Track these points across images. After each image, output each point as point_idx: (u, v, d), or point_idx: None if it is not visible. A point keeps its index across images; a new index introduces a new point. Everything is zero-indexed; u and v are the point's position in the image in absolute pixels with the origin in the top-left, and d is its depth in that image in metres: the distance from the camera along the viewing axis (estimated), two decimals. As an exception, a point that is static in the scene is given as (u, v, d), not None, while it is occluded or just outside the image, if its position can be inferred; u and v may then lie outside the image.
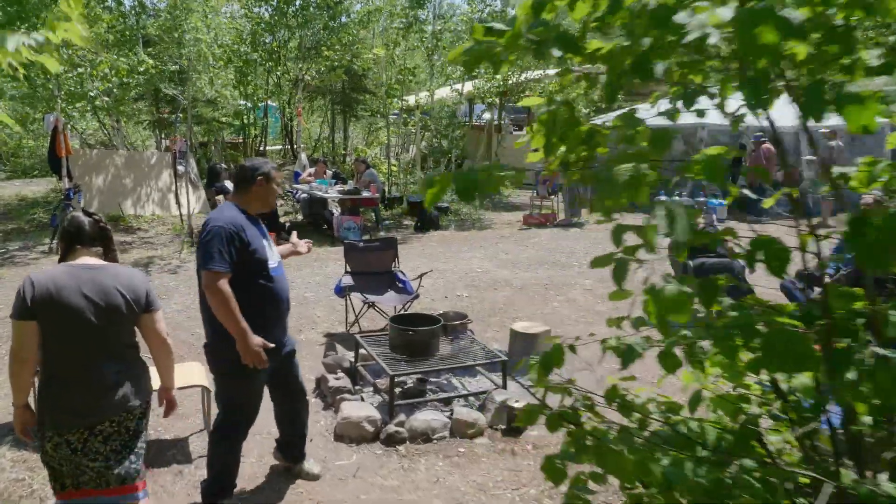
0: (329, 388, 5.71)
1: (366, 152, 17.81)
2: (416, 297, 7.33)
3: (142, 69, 11.72)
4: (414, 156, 16.88)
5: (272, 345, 3.76)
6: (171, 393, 3.52)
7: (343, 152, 20.18)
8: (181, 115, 13.28)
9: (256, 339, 3.66)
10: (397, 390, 5.39)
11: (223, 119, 16.04)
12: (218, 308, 3.59)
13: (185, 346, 6.95)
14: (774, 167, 14.00)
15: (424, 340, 5.64)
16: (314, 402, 5.66)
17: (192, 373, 5.16)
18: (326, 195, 12.90)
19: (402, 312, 6.65)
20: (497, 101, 16.47)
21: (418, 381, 5.71)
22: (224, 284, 3.58)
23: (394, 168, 16.87)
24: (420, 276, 7.52)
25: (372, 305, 7.18)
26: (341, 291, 7.42)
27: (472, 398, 5.60)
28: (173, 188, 14.07)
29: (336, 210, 13.25)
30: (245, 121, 16.05)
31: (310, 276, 9.65)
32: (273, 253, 3.98)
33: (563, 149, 1.76)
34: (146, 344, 3.27)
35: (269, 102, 17.57)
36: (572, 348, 2.01)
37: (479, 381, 6.00)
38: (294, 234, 4.87)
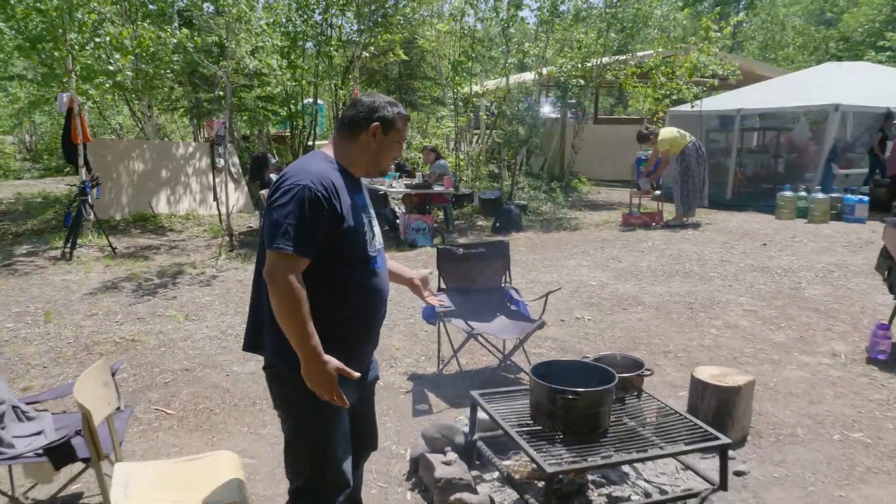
0: (436, 482, 3.57)
1: (431, 141, 15.60)
2: (542, 325, 5.16)
3: (175, 40, 9.76)
4: (483, 146, 14.69)
5: (357, 374, 2.43)
6: None
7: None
8: (220, 94, 11.29)
9: (332, 363, 2.37)
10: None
11: (268, 104, 14.00)
12: (281, 310, 2.31)
13: (217, 397, 4.88)
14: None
15: (593, 409, 3.48)
16: (410, 500, 3.58)
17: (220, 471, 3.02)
18: (391, 189, 10.81)
19: (543, 359, 4.44)
20: (581, 81, 14.15)
21: (575, 473, 3.57)
22: (296, 276, 2.31)
23: (461, 161, 14.72)
24: (545, 296, 5.34)
25: (472, 336, 5.04)
26: (433, 316, 5.30)
27: (673, 507, 3.43)
28: (211, 183, 12.15)
29: (399, 208, 11.16)
30: (293, 109, 14.06)
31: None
32: (376, 235, 2.68)
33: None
34: None
35: (319, 101, 15.61)
36: None
37: (664, 465, 3.86)
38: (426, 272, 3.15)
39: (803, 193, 11.85)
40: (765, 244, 9.59)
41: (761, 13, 24.08)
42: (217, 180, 11.76)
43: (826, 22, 23.18)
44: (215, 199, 11.62)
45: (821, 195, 11.41)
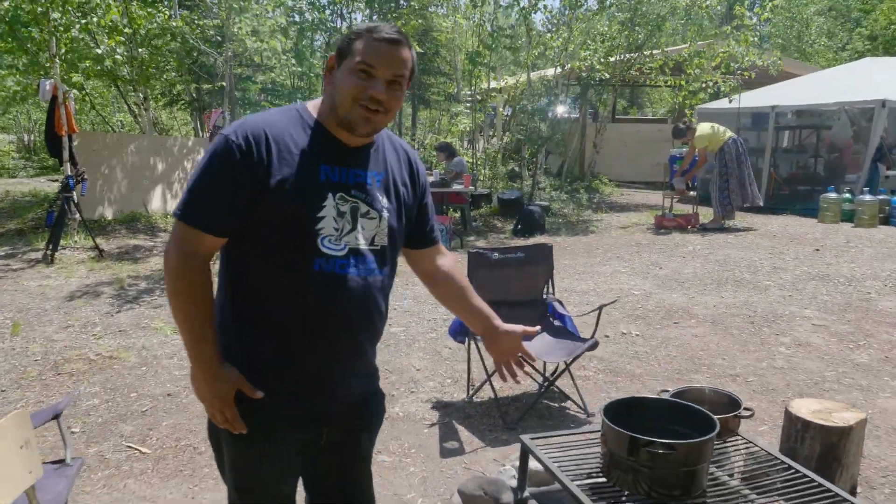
0: (482, 558, 2.72)
1: (446, 138, 14.72)
2: (595, 346, 4.30)
3: (174, 24, 8.93)
4: (501, 144, 13.82)
5: (257, 394, 1.77)
6: None
7: (412, 143, 17.25)
8: (221, 84, 10.43)
9: (230, 377, 1.76)
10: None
11: (273, 97, 13.09)
12: (168, 296, 1.75)
13: (203, 430, 4.02)
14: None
15: (689, 465, 2.62)
16: None
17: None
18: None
19: (616, 398, 3.54)
20: (605, 75, 13.22)
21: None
22: (187, 254, 1.72)
23: (478, 160, 13.86)
24: (599, 309, 4.48)
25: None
26: (463, 332, 4.45)
27: None
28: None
29: (360, 233, 10.27)
30: (300, 98, 13.24)
31: (396, 300, 6.61)
32: (358, 230, 1.84)
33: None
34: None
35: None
36: None
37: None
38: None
39: (848, 195, 10.96)
40: (817, 249, 8.69)
41: (784, 12, 23.14)
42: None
43: (855, 20, 22.30)
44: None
45: (868, 197, 10.51)
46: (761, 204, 10.89)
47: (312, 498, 2.10)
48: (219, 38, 10.25)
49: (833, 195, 10.92)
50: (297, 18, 11.95)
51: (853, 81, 12.73)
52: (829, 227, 10.28)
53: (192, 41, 9.55)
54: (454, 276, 2.20)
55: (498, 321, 2.15)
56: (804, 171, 13.52)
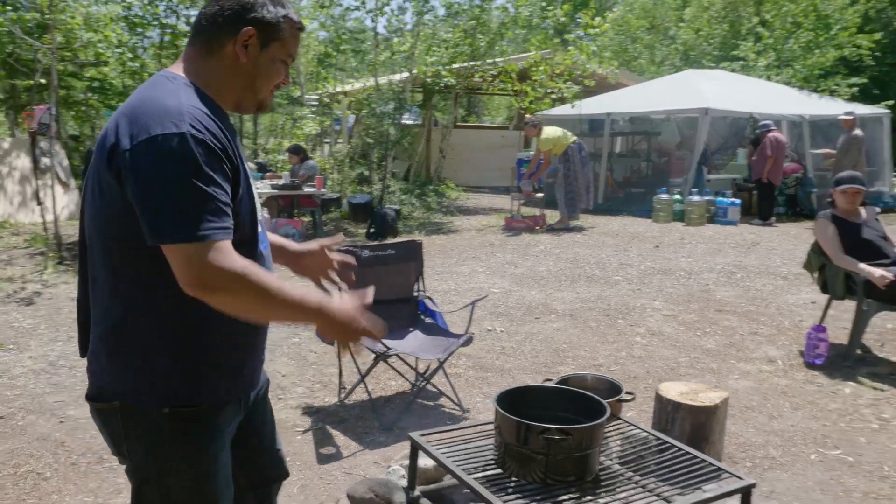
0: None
1: (290, 142, 14.30)
2: (470, 341, 4.27)
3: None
4: (349, 148, 13.64)
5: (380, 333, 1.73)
6: None
7: (255, 146, 16.60)
8: (41, 81, 9.50)
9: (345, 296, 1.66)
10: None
11: (101, 95, 12.05)
12: (243, 307, 1.54)
13: (48, 454, 3.58)
14: (783, 159, 11.68)
15: (582, 450, 2.63)
16: None
17: None
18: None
19: (508, 387, 3.46)
20: (452, 81, 13.37)
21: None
22: (236, 259, 1.49)
23: (326, 165, 13.58)
24: (472, 304, 4.45)
25: (383, 358, 4.06)
26: (333, 334, 4.26)
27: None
28: (34, 185, 10.32)
29: (264, 212, 9.91)
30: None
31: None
32: (256, 200, 1.77)
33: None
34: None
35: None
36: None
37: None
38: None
39: (678, 197, 11.74)
40: (657, 246, 9.23)
41: (616, 25, 24.52)
42: (40, 182, 9.96)
43: (671, 37, 24.01)
44: (39, 203, 9.82)
45: (697, 198, 11.32)
46: (590, 207, 11.34)
47: (248, 459, 1.97)
48: (41, 27, 9.35)
49: (665, 196, 11.65)
50: (125, 13, 11.12)
51: (679, 91, 13.69)
52: (664, 226, 10.96)
53: (7, 27, 8.59)
54: None
55: (294, 245, 2.11)
56: (637, 174, 14.36)
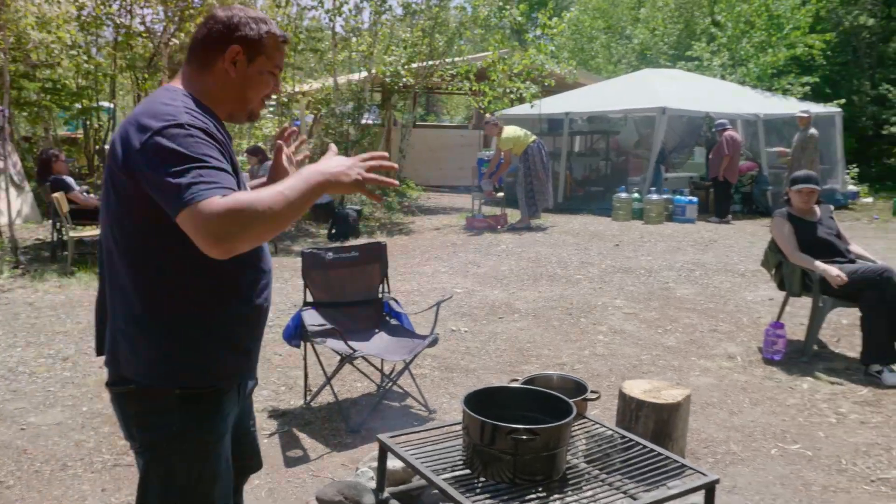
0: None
1: (250, 142, 14.16)
2: (436, 341, 4.29)
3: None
4: (308, 149, 13.52)
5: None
6: None
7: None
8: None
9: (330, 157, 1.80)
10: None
11: (54, 96, 11.79)
12: (266, 226, 1.59)
13: (10, 462, 3.50)
14: (739, 158, 11.94)
15: (549, 449, 2.67)
16: None
17: None
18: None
19: (474, 387, 3.48)
20: (411, 80, 13.38)
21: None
22: (220, 203, 1.54)
23: (286, 164, 13.44)
24: (437, 305, 4.47)
25: (349, 360, 4.07)
26: (298, 336, 4.25)
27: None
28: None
29: None
30: (85, 104, 12.05)
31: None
32: None
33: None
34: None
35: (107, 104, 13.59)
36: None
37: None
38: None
39: (637, 195, 11.90)
40: (617, 245, 9.36)
41: (573, 25, 24.72)
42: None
43: (627, 37, 24.30)
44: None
45: (655, 196, 11.50)
46: (550, 207, 11.43)
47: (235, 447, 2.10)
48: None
49: (624, 195, 11.81)
50: (78, 14, 10.89)
51: (636, 91, 13.88)
52: (624, 225, 11.11)
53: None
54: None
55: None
56: (596, 173, 14.52)
